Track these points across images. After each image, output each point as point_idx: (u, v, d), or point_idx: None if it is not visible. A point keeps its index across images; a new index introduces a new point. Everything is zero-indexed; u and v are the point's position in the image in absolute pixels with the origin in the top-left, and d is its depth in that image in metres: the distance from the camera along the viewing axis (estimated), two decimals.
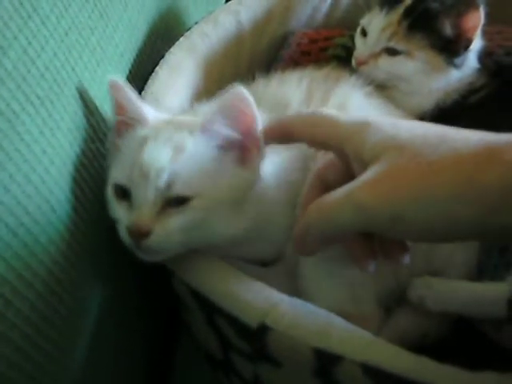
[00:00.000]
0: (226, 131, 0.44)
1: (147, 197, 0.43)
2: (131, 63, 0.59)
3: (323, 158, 0.44)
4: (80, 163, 0.46)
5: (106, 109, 0.51)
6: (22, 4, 0.37)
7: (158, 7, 0.68)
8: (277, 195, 0.48)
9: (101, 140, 0.50)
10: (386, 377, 0.36)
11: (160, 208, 0.43)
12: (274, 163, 0.48)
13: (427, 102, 0.65)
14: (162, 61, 0.61)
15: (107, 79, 0.47)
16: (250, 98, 0.43)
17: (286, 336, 0.39)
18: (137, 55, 0.61)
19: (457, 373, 0.35)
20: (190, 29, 0.67)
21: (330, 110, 0.41)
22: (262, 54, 0.77)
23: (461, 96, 0.64)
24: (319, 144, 0.41)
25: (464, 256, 0.53)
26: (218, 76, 0.68)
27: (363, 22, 0.68)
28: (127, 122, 0.48)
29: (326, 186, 0.42)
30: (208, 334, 0.48)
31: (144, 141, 0.45)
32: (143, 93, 0.57)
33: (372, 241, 0.40)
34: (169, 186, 0.43)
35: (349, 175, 0.39)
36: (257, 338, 0.40)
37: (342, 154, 0.39)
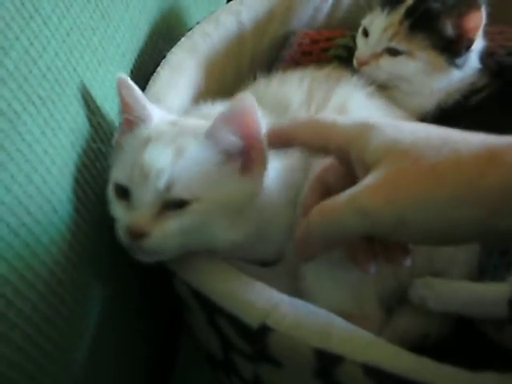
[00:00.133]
0: (230, 139, 0.44)
1: (146, 198, 0.43)
2: (133, 63, 0.59)
3: (323, 161, 0.44)
4: (82, 163, 0.46)
5: (107, 109, 0.52)
6: (23, 4, 0.37)
7: (160, 7, 0.69)
8: (278, 197, 0.48)
9: (102, 140, 0.50)
10: (387, 377, 0.36)
11: (159, 210, 0.43)
12: (274, 166, 0.47)
13: (429, 102, 0.65)
14: (163, 61, 0.61)
15: (109, 79, 0.47)
16: (257, 108, 0.43)
17: (286, 336, 0.39)
18: (138, 55, 0.61)
19: (457, 373, 0.35)
20: (191, 29, 0.67)
21: (330, 115, 0.41)
22: (263, 54, 0.77)
23: (462, 96, 0.64)
24: (320, 148, 0.41)
25: (465, 256, 0.53)
26: (220, 76, 0.68)
27: (365, 22, 0.68)
28: (132, 120, 0.48)
29: (326, 189, 0.42)
30: (209, 335, 0.48)
31: (146, 141, 0.45)
32: (145, 93, 0.57)
33: (373, 243, 0.40)
34: (168, 187, 0.42)
35: (349, 178, 0.39)
36: (257, 339, 0.40)
37: (343, 158, 0.39)
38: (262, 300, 0.41)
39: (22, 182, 0.37)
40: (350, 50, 0.71)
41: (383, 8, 0.65)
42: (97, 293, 0.48)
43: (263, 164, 0.45)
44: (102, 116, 0.50)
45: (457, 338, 0.50)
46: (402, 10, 0.64)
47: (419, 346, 0.46)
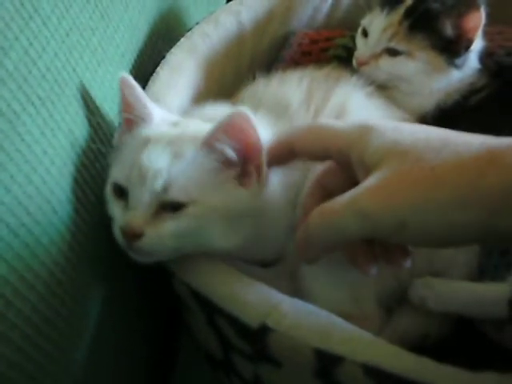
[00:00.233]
0: (227, 151, 0.44)
1: (143, 198, 0.43)
2: (132, 64, 0.59)
3: (323, 163, 0.44)
4: (81, 164, 0.46)
5: (106, 109, 0.52)
6: (23, 5, 0.37)
7: (159, 8, 0.69)
8: (278, 197, 0.48)
9: (102, 140, 0.50)
10: (387, 377, 0.36)
11: (155, 211, 0.43)
12: (274, 171, 0.47)
13: (428, 102, 0.65)
14: (162, 61, 0.61)
15: (108, 80, 0.47)
16: (254, 120, 0.42)
17: (286, 336, 0.39)
18: (138, 56, 0.61)
19: (457, 373, 0.35)
20: (190, 29, 0.67)
21: (327, 120, 0.41)
22: (262, 54, 0.77)
23: (462, 96, 0.64)
24: (321, 154, 0.41)
25: (465, 257, 0.53)
26: (219, 76, 0.68)
27: (364, 22, 0.68)
28: (133, 120, 0.48)
29: (326, 191, 0.42)
30: (208, 335, 0.48)
31: (145, 142, 0.45)
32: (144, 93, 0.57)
33: (373, 245, 0.40)
34: (165, 189, 0.42)
35: (349, 180, 0.39)
36: (257, 339, 0.40)
37: (344, 162, 0.39)
38: (262, 300, 0.41)
39: (22, 182, 0.37)
40: (350, 50, 0.71)
41: (382, 8, 0.65)
42: (96, 293, 0.48)
43: (261, 177, 0.45)
44: (102, 116, 0.50)
45: (457, 338, 0.50)
46: (401, 10, 0.64)
47: (419, 346, 0.46)
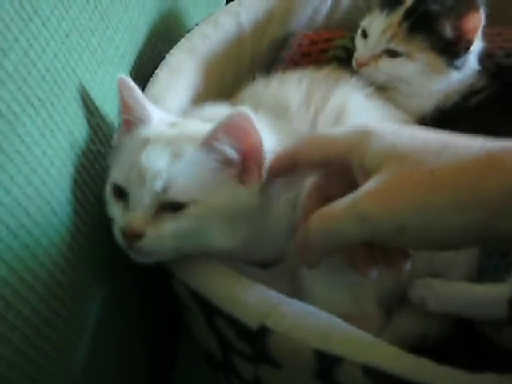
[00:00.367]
0: (227, 150, 0.44)
1: (143, 199, 0.43)
2: (132, 65, 0.59)
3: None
4: (81, 165, 0.46)
5: (106, 110, 0.52)
6: (22, 6, 0.37)
7: (159, 9, 0.69)
8: (278, 197, 0.48)
9: (101, 141, 0.50)
10: (386, 378, 0.36)
11: (155, 211, 0.43)
12: None
13: (427, 103, 0.65)
14: (162, 62, 0.61)
15: (108, 81, 0.47)
16: (255, 120, 0.42)
17: (286, 338, 0.39)
18: (137, 57, 0.61)
19: (457, 374, 0.35)
20: (190, 30, 0.67)
21: (326, 129, 0.41)
22: (262, 56, 0.77)
23: (461, 98, 0.64)
24: (322, 162, 0.41)
25: (465, 257, 0.53)
26: (219, 77, 0.68)
27: (364, 23, 0.68)
28: (132, 121, 0.48)
29: (325, 194, 0.42)
30: (208, 335, 0.48)
31: (145, 142, 0.45)
32: (144, 94, 0.56)
33: (372, 248, 0.40)
34: (165, 190, 0.42)
35: (349, 183, 0.39)
36: (257, 340, 0.40)
37: (344, 168, 0.39)
38: (262, 301, 0.41)
39: (21, 183, 0.37)
40: (349, 51, 0.71)
41: (382, 9, 0.66)
42: (96, 294, 0.48)
43: (260, 176, 0.45)
44: (101, 117, 0.50)
45: (456, 339, 0.50)
46: (401, 11, 0.64)
47: (419, 347, 0.46)
